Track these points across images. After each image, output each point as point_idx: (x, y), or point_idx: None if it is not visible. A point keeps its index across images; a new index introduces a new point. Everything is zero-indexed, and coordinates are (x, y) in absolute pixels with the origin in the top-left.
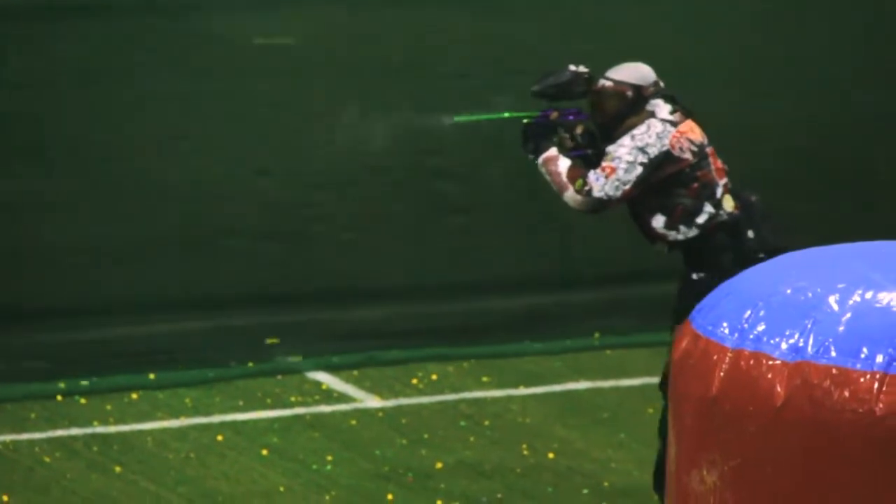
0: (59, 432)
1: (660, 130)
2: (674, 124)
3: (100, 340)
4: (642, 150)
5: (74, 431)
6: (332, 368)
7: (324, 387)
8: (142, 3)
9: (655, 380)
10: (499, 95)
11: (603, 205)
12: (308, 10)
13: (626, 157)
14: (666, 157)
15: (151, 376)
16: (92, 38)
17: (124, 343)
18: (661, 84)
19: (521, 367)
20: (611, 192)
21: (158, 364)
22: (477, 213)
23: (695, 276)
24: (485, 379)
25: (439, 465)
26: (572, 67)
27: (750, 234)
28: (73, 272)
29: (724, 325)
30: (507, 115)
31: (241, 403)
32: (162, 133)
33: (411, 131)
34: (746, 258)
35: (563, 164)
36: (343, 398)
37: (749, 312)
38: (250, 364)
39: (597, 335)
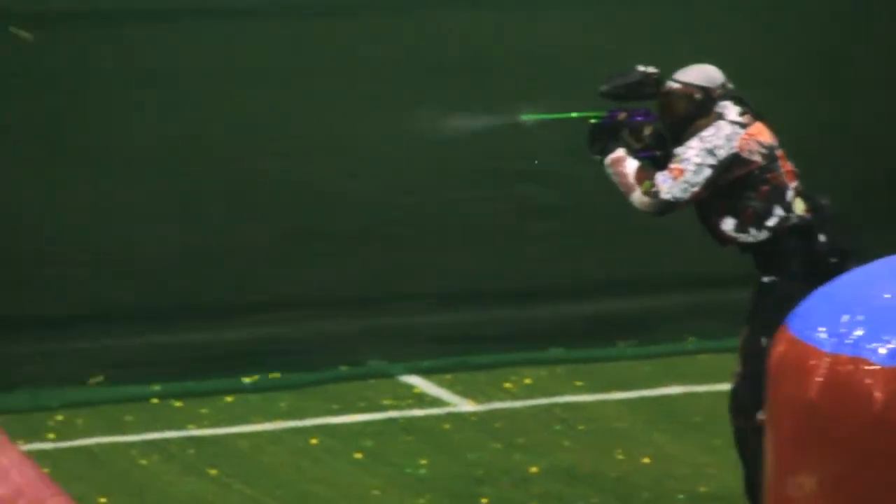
0: (155, 435)
1: (728, 132)
2: (743, 126)
3: (195, 344)
4: (711, 151)
5: (170, 434)
6: (424, 372)
7: (416, 391)
8: (236, 5)
9: None
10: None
11: (670, 207)
12: (390, 11)
13: (694, 158)
14: (734, 160)
15: (246, 380)
16: (181, 41)
17: (219, 346)
18: (730, 86)
19: (614, 372)
20: (678, 195)
21: (253, 368)
22: (570, 216)
23: (766, 280)
24: (578, 383)
25: (534, 469)
26: (641, 68)
27: (822, 237)
28: (165, 276)
29: (822, 329)
30: (574, 115)
31: (334, 407)
32: (254, 137)
33: (501, 134)
34: (818, 262)
35: (631, 165)
36: (436, 402)
37: (847, 317)
38: (343, 368)
39: (690, 339)
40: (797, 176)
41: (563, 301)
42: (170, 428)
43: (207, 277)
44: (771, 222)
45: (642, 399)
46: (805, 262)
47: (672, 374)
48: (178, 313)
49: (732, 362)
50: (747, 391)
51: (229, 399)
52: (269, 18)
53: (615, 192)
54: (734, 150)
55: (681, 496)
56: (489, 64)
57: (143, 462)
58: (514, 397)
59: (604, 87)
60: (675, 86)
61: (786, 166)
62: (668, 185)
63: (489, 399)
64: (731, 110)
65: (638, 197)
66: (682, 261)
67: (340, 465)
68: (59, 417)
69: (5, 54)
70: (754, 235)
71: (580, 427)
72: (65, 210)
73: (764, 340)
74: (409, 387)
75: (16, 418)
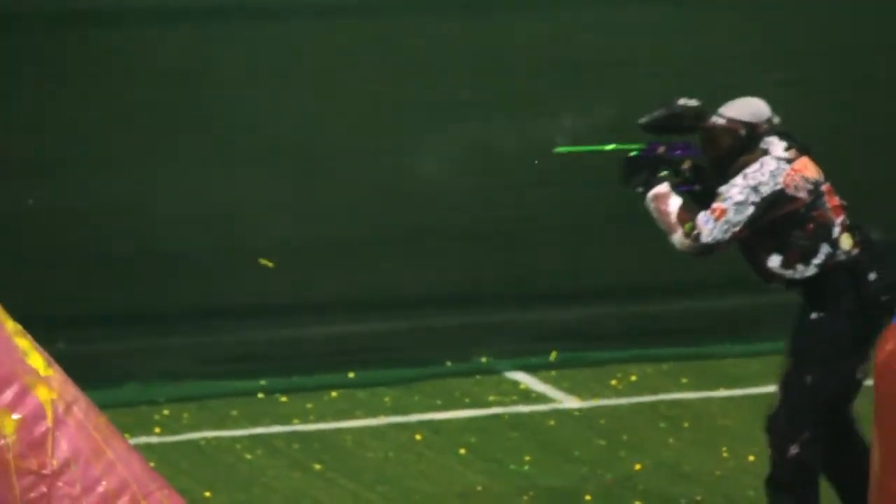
0: (261, 430)
1: (773, 168)
2: (788, 162)
3: (300, 339)
4: (755, 189)
5: (275, 429)
6: (530, 369)
7: (522, 387)
8: (352, 4)
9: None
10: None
11: (710, 250)
12: (517, 11)
13: (737, 196)
14: (779, 196)
15: (351, 375)
16: (293, 39)
17: (324, 342)
18: (776, 120)
19: (720, 369)
20: (719, 236)
21: (357, 363)
22: None
23: (814, 316)
24: (684, 380)
25: (638, 466)
26: (682, 101)
27: (871, 275)
28: (273, 272)
29: None
30: (611, 147)
31: (439, 403)
32: (366, 132)
33: (611, 130)
34: (868, 300)
35: (674, 203)
36: (541, 398)
37: None
38: (448, 364)
39: None
40: (844, 209)
41: (668, 298)
42: (275, 423)
43: (314, 273)
44: (818, 259)
45: (749, 396)
46: (854, 298)
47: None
48: (284, 309)
49: None
50: (783, 424)
51: (334, 394)
52: (386, 17)
53: None
54: (779, 187)
55: None
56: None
57: (249, 457)
58: (620, 394)
59: (643, 120)
60: (720, 121)
61: (832, 201)
62: (709, 226)
63: (594, 396)
64: (776, 146)
65: (679, 239)
66: None
67: (444, 461)
68: (166, 412)
69: (119, 51)
70: (801, 272)
71: (685, 424)
72: (176, 207)
73: (809, 378)
74: (515, 383)
75: (123, 412)
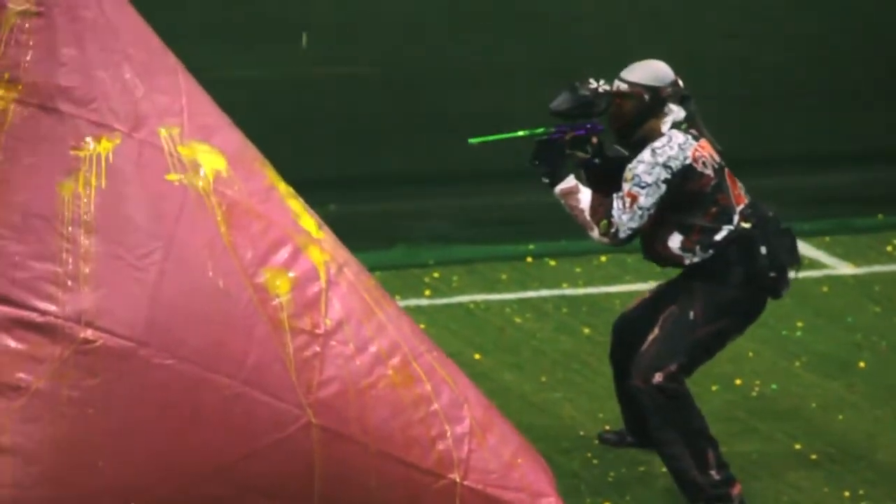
0: (530, 293)
1: (682, 142)
2: (695, 138)
3: None
4: (665, 165)
5: (544, 293)
6: (803, 235)
7: None
8: None
9: None
10: None
11: (631, 239)
12: None
13: (646, 177)
14: (688, 172)
15: None
16: None
17: None
18: (681, 84)
19: None
20: (635, 225)
21: None
22: None
23: (700, 285)
24: None
25: None
26: (592, 84)
27: (763, 250)
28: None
29: None
30: (521, 133)
31: None
32: None
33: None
34: (757, 275)
35: (584, 198)
36: (814, 265)
37: None
38: None
39: None
40: (745, 196)
41: None
42: (544, 287)
43: None
44: (718, 238)
45: None
46: (743, 273)
47: None
48: None
49: None
50: (653, 352)
51: (603, 258)
52: None
53: None
54: (688, 161)
55: None
56: None
57: (518, 320)
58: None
59: (553, 105)
60: (622, 86)
61: (735, 188)
62: (624, 220)
63: (869, 262)
64: (678, 113)
65: (597, 237)
66: None
67: None
68: (436, 274)
69: None
70: (700, 255)
71: None
72: (445, 70)
73: (692, 314)
74: None
75: (393, 275)
